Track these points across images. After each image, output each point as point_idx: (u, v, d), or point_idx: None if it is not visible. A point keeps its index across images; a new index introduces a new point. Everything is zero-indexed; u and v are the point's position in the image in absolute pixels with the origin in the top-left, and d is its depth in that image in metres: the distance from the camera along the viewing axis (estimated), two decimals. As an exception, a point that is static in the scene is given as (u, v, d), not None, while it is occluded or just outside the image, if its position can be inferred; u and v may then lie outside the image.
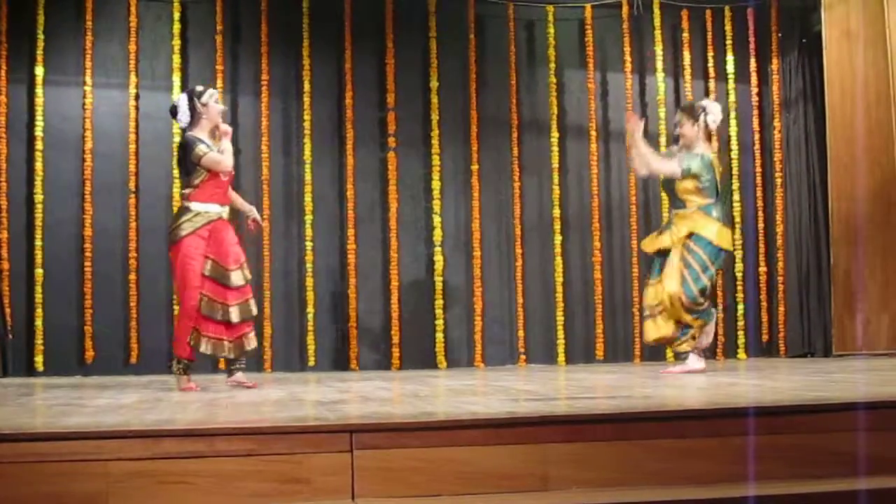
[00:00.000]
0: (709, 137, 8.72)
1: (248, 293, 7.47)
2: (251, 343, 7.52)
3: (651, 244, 8.80)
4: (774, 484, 4.16)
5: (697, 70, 12.12)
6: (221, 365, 10.22)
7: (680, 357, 9.00)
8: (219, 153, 7.37)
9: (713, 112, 8.59)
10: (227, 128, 7.55)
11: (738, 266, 11.89)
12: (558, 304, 11.60)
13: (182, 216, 7.38)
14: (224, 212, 7.50)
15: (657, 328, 8.60)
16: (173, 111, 7.71)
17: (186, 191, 7.45)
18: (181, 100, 7.58)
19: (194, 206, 7.36)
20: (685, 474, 4.18)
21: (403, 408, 5.22)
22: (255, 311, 7.55)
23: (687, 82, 12.05)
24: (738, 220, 11.88)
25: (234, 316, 7.32)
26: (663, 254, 8.60)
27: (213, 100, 7.58)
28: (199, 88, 7.66)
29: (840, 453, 4.34)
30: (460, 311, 11.43)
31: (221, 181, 7.45)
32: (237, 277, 7.35)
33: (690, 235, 8.38)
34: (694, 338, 8.43)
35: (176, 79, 10.86)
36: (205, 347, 7.32)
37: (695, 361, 8.50)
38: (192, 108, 7.48)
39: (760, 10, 12.20)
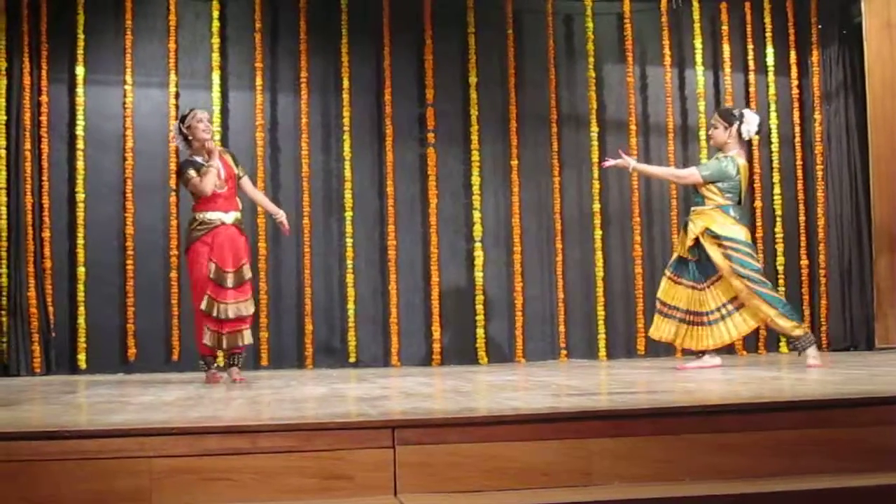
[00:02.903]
0: (742, 145, 8.64)
1: (246, 292, 8.01)
2: (246, 338, 8.02)
3: (681, 247, 8.72)
4: (817, 478, 4.14)
5: (737, 63, 12.05)
6: (264, 362, 10.33)
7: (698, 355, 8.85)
8: (201, 177, 7.89)
9: (749, 122, 8.50)
10: (211, 145, 7.99)
11: (780, 259, 11.82)
12: (599, 299, 11.56)
13: (190, 225, 8.06)
14: (227, 217, 8.03)
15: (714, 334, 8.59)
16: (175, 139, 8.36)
17: (193, 204, 8.11)
18: (174, 128, 8.34)
19: (199, 215, 7.99)
20: (727, 469, 4.17)
21: (445, 403, 5.22)
22: (251, 309, 8.09)
23: (727, 75, 11.98)
24: (779, 213, 11.83)
25: (231, 312, 7.85)
26: (685, 258, 8.59)
27: (196, 120, 8.07)
28: (184, 113, 8.21)
29: (883, 447, 4.32)
30: (501, 306, 11.42)
31: (219, 192, 7.98)
32: (231, 279, 7.87)
33: (707, 230, 8.34)
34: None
35: (215, 77, 10.91)
36: (208, 339, 7.86)
37: (712, 357, 8.57)
38: (182, 133, 8.09)
39: (800, 2, 12.11)
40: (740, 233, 8.37)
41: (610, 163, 8.84)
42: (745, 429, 4.28)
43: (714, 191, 8.39)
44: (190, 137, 8.04)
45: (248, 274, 8.03)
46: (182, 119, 8.13)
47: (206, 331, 7.84)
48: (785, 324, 8.25)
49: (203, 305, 7.80)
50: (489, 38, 11.58)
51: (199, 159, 7.99)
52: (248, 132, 10.94)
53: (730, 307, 8.45)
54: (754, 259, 8.41)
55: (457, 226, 11.39)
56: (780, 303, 8.33)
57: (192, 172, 7.91)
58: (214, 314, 7.80)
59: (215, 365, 8.15)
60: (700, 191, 8.48)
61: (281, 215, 8.41)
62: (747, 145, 11.25)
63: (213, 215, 7.94)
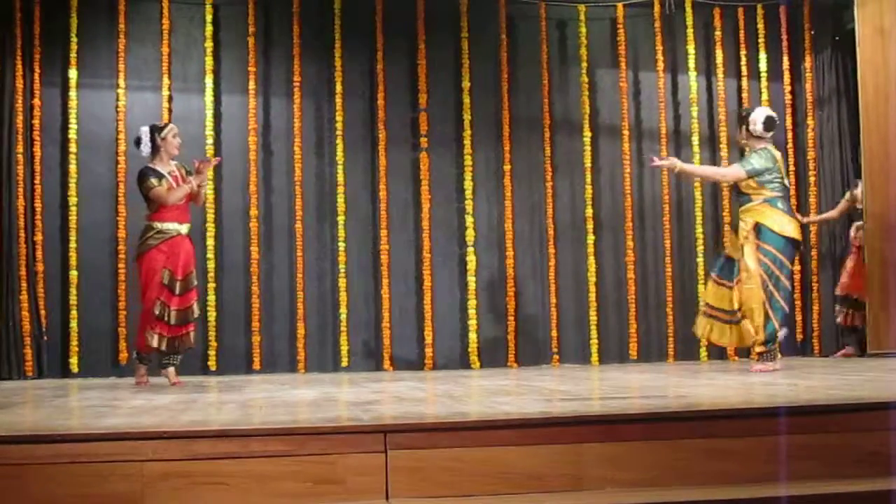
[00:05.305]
0: (762, 141, 8.65)
1: (191, 298, 8.50)
2: (188, 342, 8.52)
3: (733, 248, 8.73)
4: (809, 484, 4.15)
5: (730, 68, 12.05)
6: (256, 366, 10.34)
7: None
8: (169, 188, 8.34)
9: (753, 120, 8.56)
10: (204, 161, 8.79)
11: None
12: (591, 304, 11.56)
13: (146, 233, 8.41)
14: (183, 228, 8.52)
15: (725, 333, 8.65)
16: (137, 142, 8.58)
17: (146, 212, 8.50)
18: (143, 133, 8.51)
19: (157, 224, 8.41)
20: (719, 474, 4.17)
21: (437, 408, 5.23)
22: (196, 314, 8.61)
23: (720, 81, 12.00)
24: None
25: (173, 318, 8.27)
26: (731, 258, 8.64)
27: (172, 135, 8.61)
28: (159, 125, 8.67)
29: (875, 453, 4.33)
30: (493, 310, 11.42)
31: (178, 203, 8.42)
32: (179, 287, 8.31)
33: (756, 226, 8.36)
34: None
35: (209, 81, 10.90)
36: (152, 340, 8.22)
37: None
38: (153, 142, 8.40)
39: (793, 8, 12.12)
40: (786, 234, 8.38)
41: (657, 162, 8.98)
42: (737, 434, 4.28)
43: (755, 186, 8.44)
44: (161, 148, 8.47)
45: (194, 281, 8.54)
46: (158, 129, 8.55)
47: (152, 334, 8.19)
48: (759, 337, 8.32)
49: (156, 310, 8.16)
50: (482, 42, 11.58)
51: (159, 168, 8.46)
52: (241, 136, 10.93)
53: (739, 314, 8.50)
54: (785, 275, 8.44)
55: (449, 230, 11.37)
56: (771, 325, 8.33)
57: (153, 181, 8.36)
58: (165, 319, 8.20)
59: (147, 364, 8.51)
60: (744, 189, 8.54)
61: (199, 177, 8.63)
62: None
63: (170, 226, 8.39)
